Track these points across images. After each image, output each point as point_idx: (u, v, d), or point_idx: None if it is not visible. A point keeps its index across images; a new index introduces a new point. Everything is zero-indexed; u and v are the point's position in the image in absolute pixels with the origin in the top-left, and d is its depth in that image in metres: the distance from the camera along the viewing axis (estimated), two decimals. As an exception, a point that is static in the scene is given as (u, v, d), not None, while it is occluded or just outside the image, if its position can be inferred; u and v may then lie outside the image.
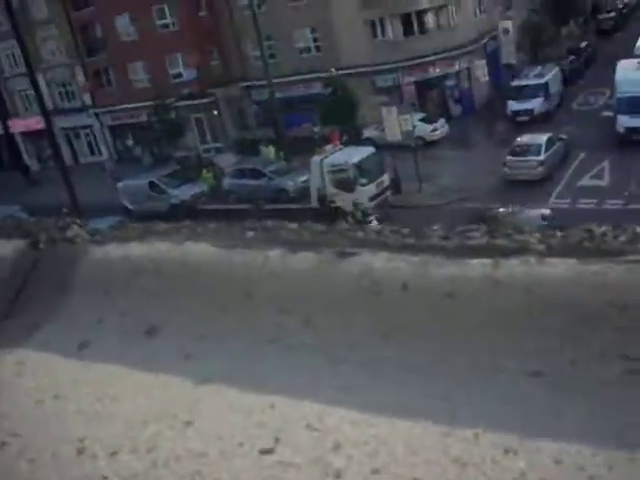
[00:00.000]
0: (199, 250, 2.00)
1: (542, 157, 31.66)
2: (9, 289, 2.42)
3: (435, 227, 1.83)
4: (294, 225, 2.04)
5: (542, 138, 32.57)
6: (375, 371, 1.49)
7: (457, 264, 1.58)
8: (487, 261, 1.56)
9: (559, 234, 1.66)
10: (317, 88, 42.53)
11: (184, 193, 36.85)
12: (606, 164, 31.55)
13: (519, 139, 33.10)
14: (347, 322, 1.59)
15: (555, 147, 32.61)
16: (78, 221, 2.68)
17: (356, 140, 37.16)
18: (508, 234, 1.68)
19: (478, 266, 1.56)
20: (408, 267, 1.60)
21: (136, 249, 2.16)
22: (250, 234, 2.03)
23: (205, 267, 1.93)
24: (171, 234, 2.21)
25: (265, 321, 1.73)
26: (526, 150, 32.07)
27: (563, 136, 33.92)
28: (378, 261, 1.64)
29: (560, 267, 1.50)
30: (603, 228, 1.65)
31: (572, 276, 1.47)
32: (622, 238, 1.61)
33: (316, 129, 40.55)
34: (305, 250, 1.79)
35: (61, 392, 1.85)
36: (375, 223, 23.31)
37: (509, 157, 32.13)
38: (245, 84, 46.76)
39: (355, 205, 26.45)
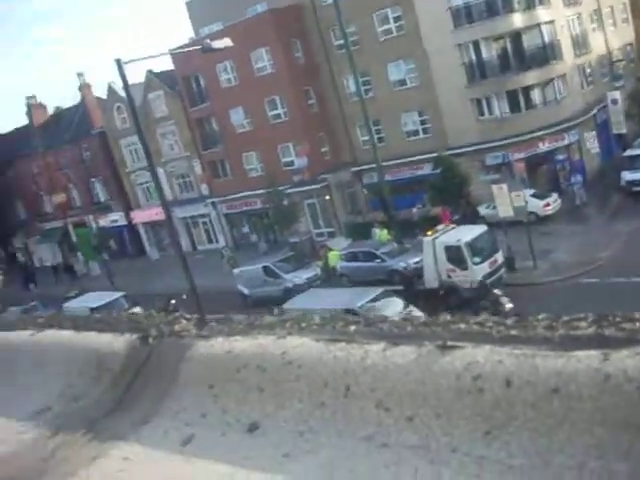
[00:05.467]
0: (301, 344, 1.99)
1: None
2: (119, 384, 2.49)
3: (540, 316, 1.76)
4: (396, 318, 2.01)
5: None
6: (476, 473, 1.42)
7: (563, 357, 1.51)
8: (595, 353, 1.48)
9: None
10: (426, 169, 42.60)
11: (298, 277, 37.25)
12: None
13: None
14: (449, 420, 1.54)
15: None
16: (187, 315, 2.74)
17: (468, 219, 36.85)
18: (617, 322, 1.60)
19: (585, 359, 1.48)
20: (512, 361, 1.54)
21: (240, 344, 2.18)
22: (352, 328, 2.02)
23: (306, 362, 1.92)
24: (275, 328, 2.22)
25: (364, 418, 1.69)
26: None
27: None
28: (481, 355, 1.59)
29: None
30: None
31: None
32: None
33: (426, 210, 40.51)
34: (406, 343, 1.75)
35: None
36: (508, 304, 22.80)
37: None
38: (355, 168, 47.44)
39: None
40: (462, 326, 1.76)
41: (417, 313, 25.72)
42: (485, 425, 1.48)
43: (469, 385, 1.52)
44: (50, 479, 2.17)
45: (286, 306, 28.49)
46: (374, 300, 26.10)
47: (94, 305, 38.36)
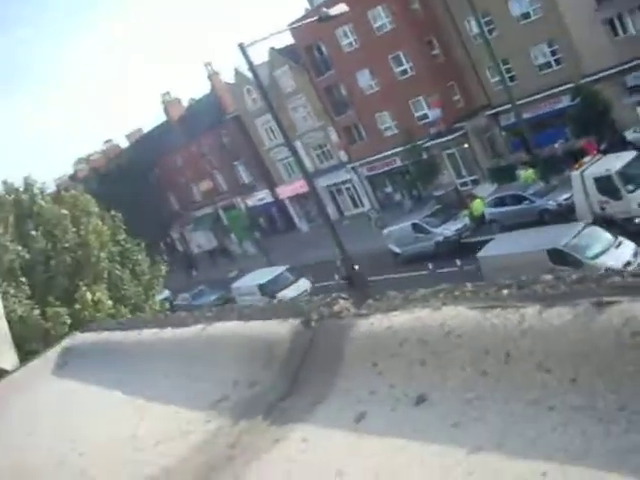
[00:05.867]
0: (457, 314, 2.03)
1: None
2: (288, 368, 2.62)
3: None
4: (548, 277, 2.01)
5: None
6: (648, 430, 1.42)
7: None
8: None
9: None
10: (564, 101, 40.99)
11: (448, 230, 37.15)
12: None
13: None
14: (612, 378, 1.54)
15: None
16: (343, 295, 2.83)
17: (615, 146, 35.22)
18: None
19: None
20: (672, 312, 1.52)
21: (398, 318, 2.24)
22: (505, 292, 2.03)
23: (464, 331, 1.96)
24: (429, 299, 2.26)
25: (528, 382, 1.72)
26: None
27: None
28: (638, 309, 1.57)
29: None
30: None
31: None
32: None
33: (570, 143, 39.05)
34: (561, 304, 1.76)
35: (342, 468, 1.96)
36: None
37: None
38: (490, 112, 46.30)
39: None
40: (617, 279, 1.75)
41: (627, 242, 24.97)
42: (651, 381, 1.47)
43: (629, 341, 1.52)
44: (237, 464, 2.33)
45: (480, 255, 28.16)
46: (577, 236, 25.20)
47: (262, 281, 40.27)
